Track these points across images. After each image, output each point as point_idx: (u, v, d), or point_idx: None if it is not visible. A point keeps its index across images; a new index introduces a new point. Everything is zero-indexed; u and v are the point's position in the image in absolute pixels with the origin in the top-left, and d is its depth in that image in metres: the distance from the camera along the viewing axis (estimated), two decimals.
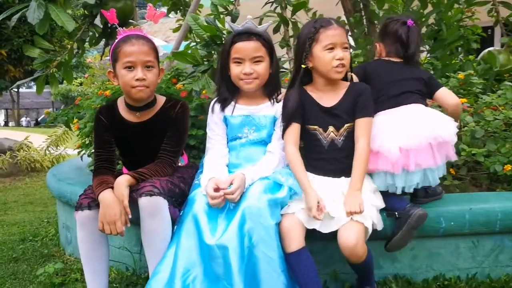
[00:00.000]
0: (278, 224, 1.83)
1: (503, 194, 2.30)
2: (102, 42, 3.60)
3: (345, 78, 2.04)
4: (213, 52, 2.34)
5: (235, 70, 2.03)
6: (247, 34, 2.04)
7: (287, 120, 2.00)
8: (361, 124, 1.96)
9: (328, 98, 2.01)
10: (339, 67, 1.93)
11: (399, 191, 1.97)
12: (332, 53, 1.93)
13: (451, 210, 2.06)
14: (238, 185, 1.84)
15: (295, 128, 2.00)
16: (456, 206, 2.09)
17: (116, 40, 2.06)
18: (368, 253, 1.85)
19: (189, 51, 2.51)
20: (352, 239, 1.77)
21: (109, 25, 3.44)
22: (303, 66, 2.00)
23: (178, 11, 4.81)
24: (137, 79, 1.99)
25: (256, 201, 1.81)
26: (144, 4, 4.39)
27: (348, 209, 1.80)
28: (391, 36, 2.18)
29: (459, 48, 3.33)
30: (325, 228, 1.85)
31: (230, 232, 1.78)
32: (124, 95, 2.14)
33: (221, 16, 2.48)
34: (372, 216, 1.87)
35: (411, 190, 2.00)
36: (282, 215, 1.87)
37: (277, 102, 2.10)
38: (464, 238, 2.09)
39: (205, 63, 2.34)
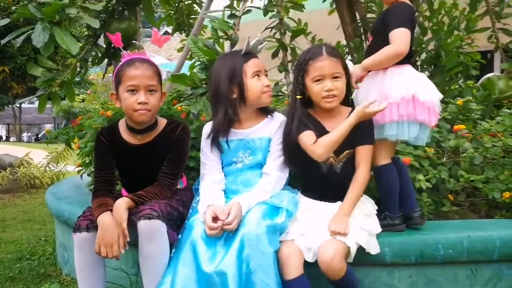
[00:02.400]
0: (277, 251, 1.83)
1: (502, 222, 2.29)
2: (105, 61, 3.63)
3: (346, 100, 2.05)
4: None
5: (257, 84, 2.04)
6: (251, 53, 2.09)
7: (298, 130, 1.99)
8: (362, 151, 1.98)
9: (330, 123, 2.02)
10: (329, 97, 1.95)
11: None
12: (321, 84, 1.95)
13: (449, 237, 2.05)
14: (235, 215, 1.83)
15: (310, 133, 1.98)
16: (454, 233, 2.08)
17: (120, 63, 2.08)
18: (348, 271, 1.82)
19: (193, 70, 2.55)
20: (329, 254, 1.77)
21: (112, 45, 3.49)
22: (298, 96, 2.03)
23: (183, 31, 4.88)
24: (139, 103, 2.01)
25: (254, 227, 1.80)
26: (147, 22, 4.44)
27: (332, 228, 1.82)
28: None
29: (459, 74, 3.36)
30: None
31: (228, 258, 1.77)
32: (125, 117, 2.16)
33: (221, 40, 2.51)
34: (358, 238, 1.86)
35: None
36: (281, 241, 1.86)
37: (272, 118, 2.13)
38: (463, 266, 2.08)
39: (203, 86, 2.36)
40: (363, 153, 1.97)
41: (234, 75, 2.04)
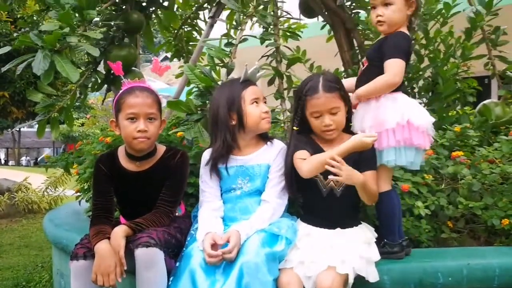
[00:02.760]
0: (276, 279, 1.82)
1: (501, 249, 2.28)
2: (105, 87, 3.65)
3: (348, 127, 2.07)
4: (207, 102, 2.39)
5: (255, 111, 2.07)
6: (250, 81, 2.13)
7: (293, 150, 2.02)
8: (369, 176, 1.98)
9: (330, 149, 2.03)
10: (328, 131, 1.98)
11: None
12: (319, 120, 1.99)
13: (448, 265, 2.04)
14: (234, 244, 1.82)
15: (303, 152, 2.00)
16: (454, 261, 2.07)
17: (120, 91, 2.10)
18: None
19: (189, 97, 2.58)
20: (327, 281, 1.76)
21: (112, 71, 3.52)
22: (295, 128, 2.06)
23: (181, 58, 4.92)
24: (139, 131, 2.03)
25: (254, 256, 1.79)
26: (147, 48, 4.49)
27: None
28: None
29: (456, 101, 3.38)
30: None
31: (228, 287, 1.76)
32: (125, 144, 2.17)
33: (217, 67, 2.54)
34: (354, 265, 1.85)
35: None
36: (280, 269, 1.85)
37: (272, 145, 2.14)
38: None
39: (199, 112, 2.38)
40: (369, 178, 1.97)
41: (233, 102, 2.06)
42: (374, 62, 2.06)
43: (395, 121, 1.97)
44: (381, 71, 2.01)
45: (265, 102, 2.14)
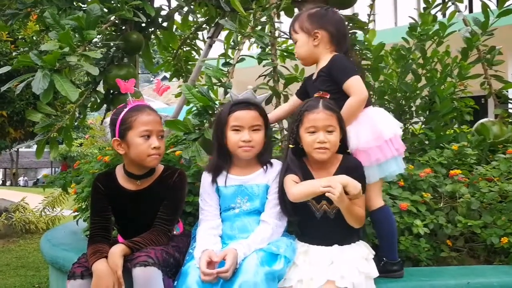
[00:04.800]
0: None
1: (501, 268, 2.27)
2: (104, 106, 3.67)
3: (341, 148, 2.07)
4: (205, 121, 2.41)
5: (233, 137, 2.06)
6: (246, 103, 2.10)
7: (289, 173, 2.03)
8: (354, 201, 1.96)
9: (322, 174, 2.03)
10: (321, 149, 1.97)
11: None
12: (313, 136, 1.99)
13: (448, 284, 2.03)
14: (231, 263, 1.81)
15: (293, 176, 2.02)
16: (453, 279, 2.06)
17: (126, 109, 2.11)
18: None
19: (188, 116, 2.59)
20: None
21: (111, 91, 3.54)
22: (290, 146, 2.06)
23: (180, 77, 4.95)
24: (154, 148, 2.05)
25: (252, 275, 1.78)
26: (146, 68, 4.52)
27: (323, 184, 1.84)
28: None
29: (453, 120, 3.40)
30: None
31: None
32: (124, 163, 2.16)
33: (215, 87, 2.56)
34: (354, 280, 1.84)
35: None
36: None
37: (271, 167, 2.13)
38: None
39: (196, 131, 2.39)
40: (360, 202, 1.98)
41: (219, 122, 2.11)
42: (334, 94, 2.08)
43: (392, 132, 2.03)
44: (344, 97, 2.07)
45: (256, 129, 2.09)
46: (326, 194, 1.84)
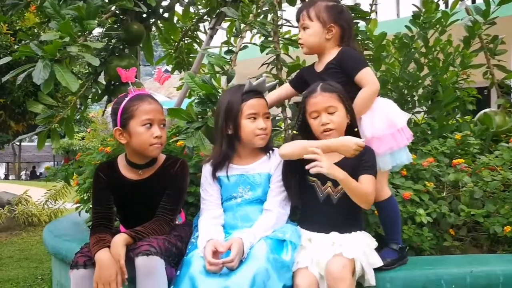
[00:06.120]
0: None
1: (505, 257, 2.27)
2: (105, 98, 3.66)
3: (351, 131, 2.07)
4: (208, 109, 2.39)
5: (250, 126, 2.05)
6: (255, 92, 2.09)
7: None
8: (364, 179, 1.96)
9: (330, 156, 2.02)
10: (326, 131, 1.98)
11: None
12: (317, 120, 2.00)
13: (452, 273, 2.02)
14: (236, 252, 1.80)
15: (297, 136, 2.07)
16: (457, 268, 2.05)
17: (128, 99, 2.09)
18: None
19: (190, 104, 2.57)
20: (337, 267, 1.78)
21: (112, 82, 3.53)
22: (294, 132, 2.08)
23: (182, 70, 4.93)
24: (155, 137, 2.04)
25: (264, 262, 1.79)
26: (147, 61, 4.51)
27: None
28: None
29: (456, 109, 3.39)
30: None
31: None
32: (126, 153, 2.16)
33: (217, 75, 2.54)
34: (362, 260, 1.87)
35: None
36: (294, 272, 1.86)
37: (274, 154, 2.13)
38: None
39: (199, 120, 2.37)
40: (366, 182, 1.96)
41: (230, 112, 2.07)
42: (346, 86, 2.09)
43: (404, 121, 2.07)
44: (355, 88, 2.09)
45: (267, 117, 2.11)
46: (312, 170, 1.85)
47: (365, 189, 1.95)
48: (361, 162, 1.98)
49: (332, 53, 2.17)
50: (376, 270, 1.95)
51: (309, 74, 2.29)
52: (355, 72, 2.08)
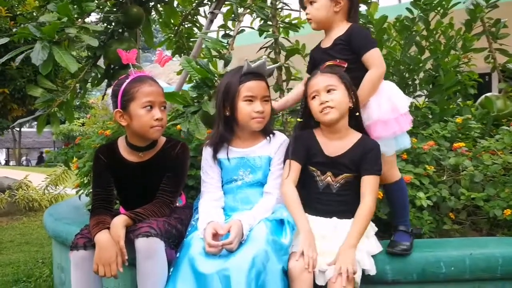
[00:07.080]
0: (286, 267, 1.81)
1: (504, 240, 2.27)
2: (104, 83, 3.64)
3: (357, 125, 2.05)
4: (204, 94, 2.38)
5: (246, 108, 2.03)
6: (255, 74, 2.07)
7: (290, 157, 2.03)
8: (368, 181, 1.96)
9: (334, 146, 2.02)
10: (325, 109, 1.96)
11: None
12: (316, 99, 1.98)
13: (451, 255, 2.03)
14: (236, 234, 1.80)
15: (295, 167, 2.02)
16: (456, 251, 2.05)
17: (128, 80, 2.07)
18: None
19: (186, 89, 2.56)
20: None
21: (112, 66, 3.51)
22: (298, 119, 2.09)
23: (182, 54, 4.90)
24: (156, 119, 2.02)
25: (264, 244, 1.79)
26: (147, 47, 4.47)
27: (338, 266, 1.77)
28: None
29: (457, 93, 3.37)
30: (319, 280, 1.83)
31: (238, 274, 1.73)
32: (126, 135, 2.15)
33: (214, 59, 2.52)
34: (362, 262, 1.85)
35: None
36: (291, 254, 1.85)
37: (274, 138, 2.12)
38: (465, 284, 2.05)
39: (195, 104, 2.36)
40: (370, 184, 1.96)
41: (228, 93, 2.06)
42: (352, 65, 2.06)
43: (407, 105, 2.05)
44: (361, 67, 2.05)
45: (266, 101, 2.08)
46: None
47: (370, 207, 1.93)
48: (365, 158, 1.97)
49: (341, 29, 2.13)
50: (381, 253, 1.97)
51: (315, 52, 2.26)
52: (363, 51, 2.04)
